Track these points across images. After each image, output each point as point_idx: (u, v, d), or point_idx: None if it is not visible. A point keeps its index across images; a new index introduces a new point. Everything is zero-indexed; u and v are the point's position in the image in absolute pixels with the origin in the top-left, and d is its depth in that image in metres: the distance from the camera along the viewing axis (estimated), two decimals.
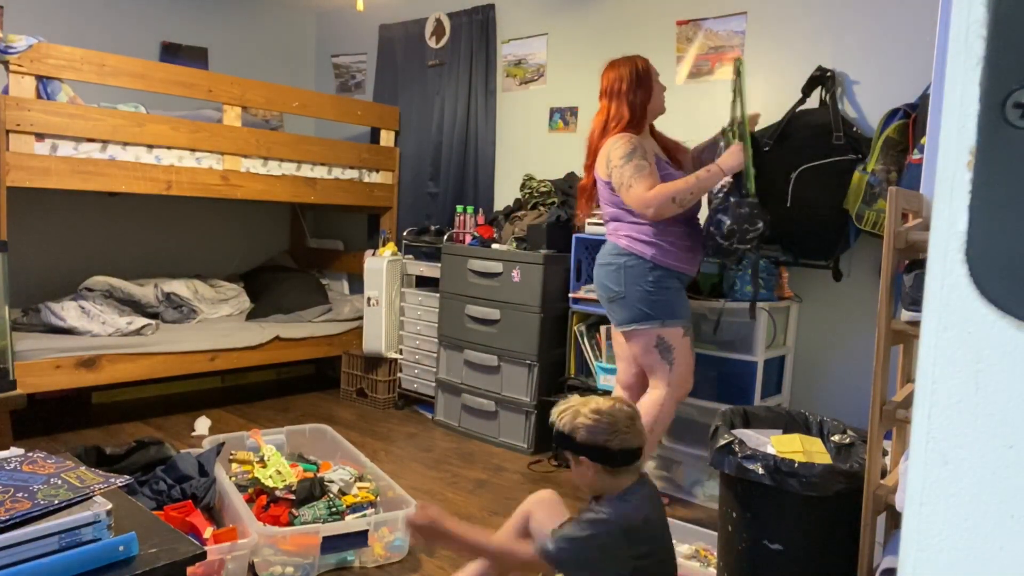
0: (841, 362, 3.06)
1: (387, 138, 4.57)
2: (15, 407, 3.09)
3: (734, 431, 2.07)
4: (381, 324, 4.04)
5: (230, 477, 2.56)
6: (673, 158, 2.81)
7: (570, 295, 3.43)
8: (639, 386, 2.80)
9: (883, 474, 1.79)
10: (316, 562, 2.22)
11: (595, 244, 3.52)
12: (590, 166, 2.76)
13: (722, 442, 1.99)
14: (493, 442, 3.57)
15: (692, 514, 2.82)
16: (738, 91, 2.65)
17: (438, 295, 3.85)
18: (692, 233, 2.67)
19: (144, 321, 3.63)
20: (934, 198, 0.61)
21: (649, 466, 3.12)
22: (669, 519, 2.49)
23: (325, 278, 4.78)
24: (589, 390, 3.32)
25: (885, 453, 1.86)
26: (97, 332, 3.45)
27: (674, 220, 2.58)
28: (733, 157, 2.57)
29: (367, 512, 2.44)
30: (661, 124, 3.60)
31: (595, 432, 1.69)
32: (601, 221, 3.34)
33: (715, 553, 2.23)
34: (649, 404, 2.65)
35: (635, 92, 2.66)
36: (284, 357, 4.08)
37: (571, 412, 1.74)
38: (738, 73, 2.65)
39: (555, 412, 1.77)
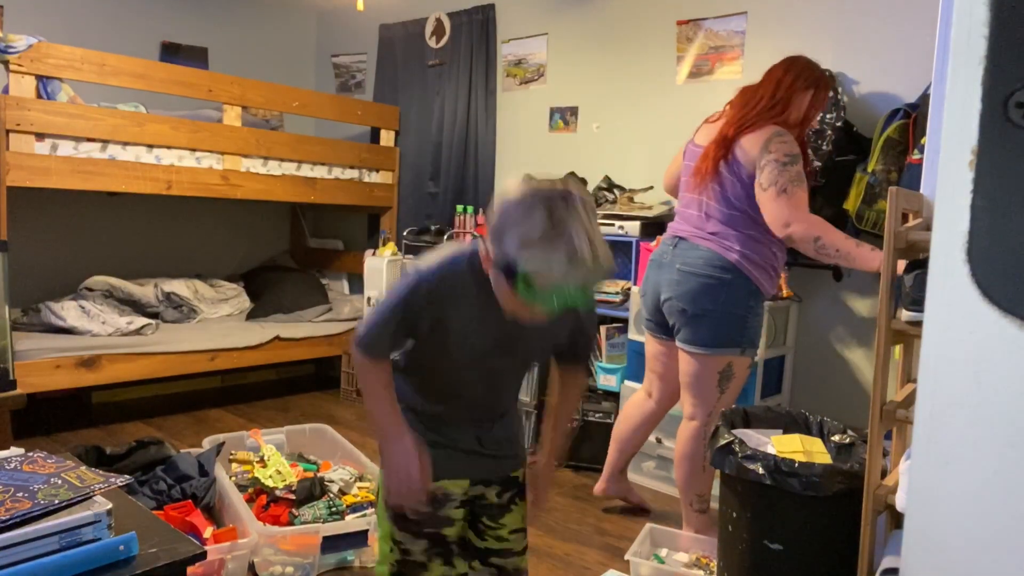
0: (841, 362, 3.06)
1: (387, 138, 4.56)
2: (15, 407, 3.09)
3: (734, 431, 2.07)
4: None
5: (230, 477, 2.56)
6: None
7: None
8: (667, 400, 2.63)
9: (883, 474, 1.78)
10: (316, 562, 2.22)
11: None
12: (736, 124, 2.35)
13: (722, 442, 1.99)
14: None
15: None
16: None
17: None
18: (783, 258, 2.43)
19: (144, 321, 3.63)
20: (936, 198, 0.61)
21: (649, 466, 3.12)
22: (669, 528, 2.49)
23: (325, 278, 4.78)
24: (589, 390, 3.32)
25: (885, 453, 1.86)
26: (97, 332, 3.45)
27: (782, 246, 2.34)
28: (872, 262, 2.15)
29: (367, 512, 2.44)
30: (663, 123, 3.60)
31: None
32: (604, 221, 3.34)
33: (714, 559, 2.23)
34: (691, 439, 2.42)
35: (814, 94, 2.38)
36: (284, 357, 4.08)
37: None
38: None
39: None
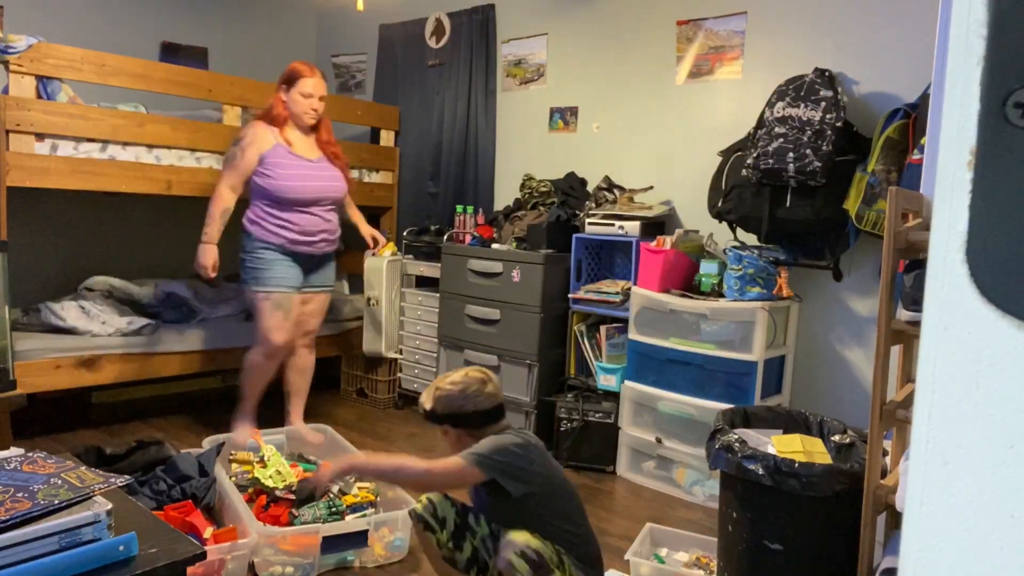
0: (841, 362, 3.06)
1: (387, 138, 4.56)
2: (15, 407, 3.09)
3: (734, 431, 2.07)
4: (381, 324, 4.04)
5: (230, 477, 2.56)
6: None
7: (570, 295, 3.43)
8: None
9: (883, 474, 1.79)
10: (316, 562, 2.22)
11: (596, 244, 3.53)
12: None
13: (722, 442, 1.99)
14: None
15: (692, 514, 2.82)
16: None
17: (438, 295, 3.85)
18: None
19: (144, 321, 3.62)
20: (934, 198, 0.61)
21: (649, 465, 3.13)
22: (669, 528, 2.50)
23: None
24: (589, 390, 3.33)
25: (885, 453, 1.86)
26: (97, 332, 3.45)
27: (278, 205, 3.11)
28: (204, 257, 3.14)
29: (367, 512, 2.44)
30: (663, 123, 3.61)
31: (450, 401, 1.90)
32: (604, 221, 3.35)
33: (714, 559, 2.23)
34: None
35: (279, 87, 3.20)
36: None
37: (430, 388, 1.96)
38: None
39: (422, 396, 1.99)
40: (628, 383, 3.15)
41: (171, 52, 4.54)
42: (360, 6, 4.20)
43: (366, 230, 3.53)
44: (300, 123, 3.19)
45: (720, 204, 3.07)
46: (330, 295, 3.43)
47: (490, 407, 1.92)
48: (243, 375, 3.28)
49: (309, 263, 3.23)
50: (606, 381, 3.25)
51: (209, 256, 3.13)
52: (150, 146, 3.43)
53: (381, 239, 3.56)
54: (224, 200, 3.12)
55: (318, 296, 3.34)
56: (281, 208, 3.10)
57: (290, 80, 3.15)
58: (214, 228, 3.14)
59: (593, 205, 3.49)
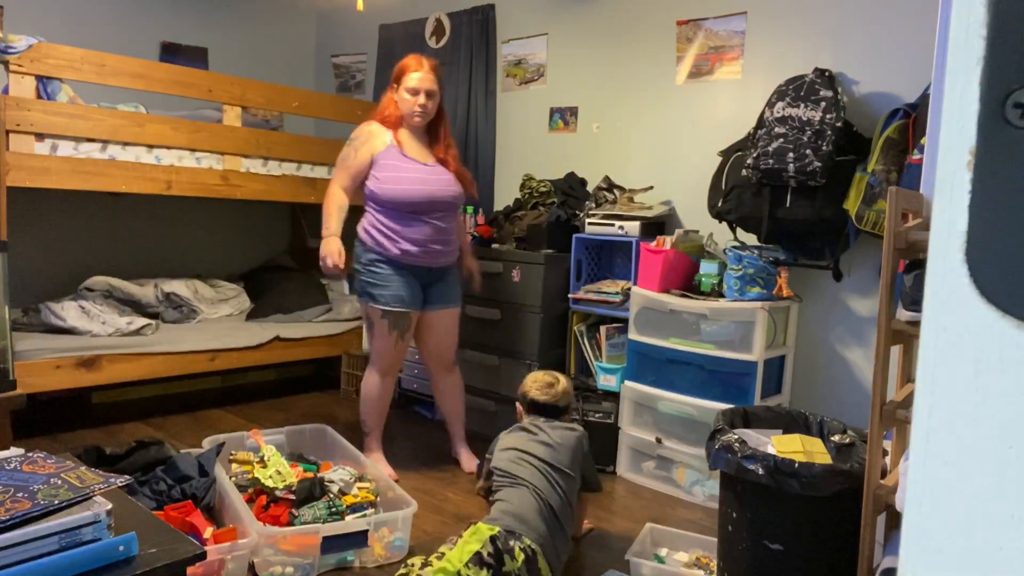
0: (841, 362, 3.06)
1: None
2: (15, 407, 3.09)
3: (734, 431, 2.07)
4: None
5: (230, 477, 2.56)
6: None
7: (570, 295, 3.43)
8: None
9: (883, 474, 1.79)
10: (316, 562, 2.22)
11: (596, 244, 3.53)
12: None
13: (722, 442, 1.99)
14: None
15: (692, 514, 2.82)
16: None
17: None
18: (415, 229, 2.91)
19: (144, 321, 3.63)
20: (934, 198, 0.61)
21: (649, 466, 3.13)
22: (669, 528, 2.49)
23: (325, 278, 4.77)
24: (589, 390, 3.32)
25: (885, 453, 1.86)
26: (97, 332, 3.45)
27: (389, 212, 2.88)
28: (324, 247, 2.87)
29: (367, 512, 2.44)
30: (663, 123, 3.61)
31: (522, 383, 2.57)
32: (604, 221, 3.35)
33: (714, 559, 2.23)
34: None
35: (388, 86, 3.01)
36: (284, 357, 4.08)
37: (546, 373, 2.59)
38: None
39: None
40: (628, 383, 3.15)
41: (171, 52, 4.54)
42: (360, 6, 4.20)
43: (468, 262, 3.23)
44: (410, 123, 2.93)
45: (720, 204, 3.07)
46: (458, 312, 3.12)
47: (527, 401, 2.52)
48: (361, 404, 3.10)
49: (427, 277, 2.97)
50: (606, 381, 3.25)
51: (331, 246, 2.84)
52: (150, 146, 3.43)
53: (477, 276, 3.27)
54: (337, 198, 2.90)
55: (444, 315, 3.06)
56: (392, 216, 2.87)
57: (398, 76, 2.92)
58: (333, 221, 2.88)
59: (593, 205, 3.49)
